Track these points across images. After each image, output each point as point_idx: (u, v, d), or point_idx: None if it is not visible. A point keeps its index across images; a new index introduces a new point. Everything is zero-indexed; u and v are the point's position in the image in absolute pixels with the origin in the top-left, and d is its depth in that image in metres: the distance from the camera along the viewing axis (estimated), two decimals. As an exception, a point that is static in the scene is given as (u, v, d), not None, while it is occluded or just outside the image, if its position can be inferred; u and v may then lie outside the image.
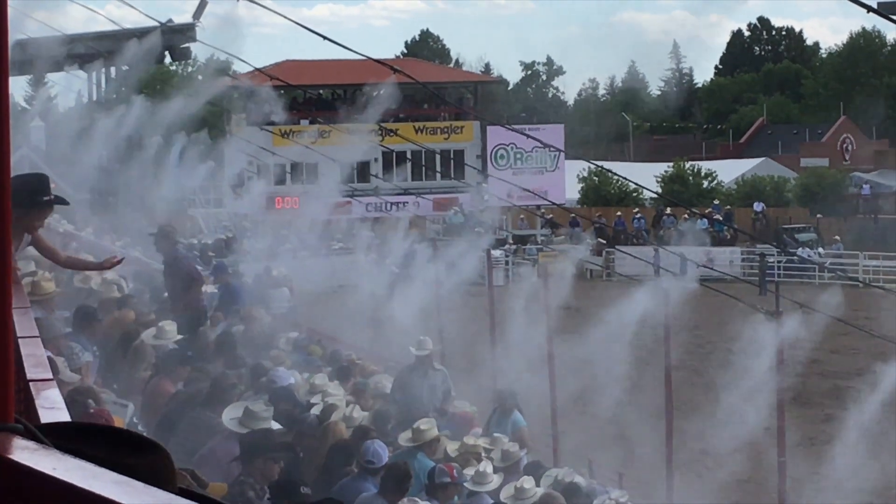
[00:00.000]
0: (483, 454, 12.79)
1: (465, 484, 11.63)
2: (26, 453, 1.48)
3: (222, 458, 9.47)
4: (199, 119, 39.73)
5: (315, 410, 12.30)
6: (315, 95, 54.38)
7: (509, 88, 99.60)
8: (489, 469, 12.02)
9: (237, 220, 39.43)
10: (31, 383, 3.90)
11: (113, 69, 41.04)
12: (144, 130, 36.22)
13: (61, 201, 7.21)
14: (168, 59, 45.67)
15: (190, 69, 58.98)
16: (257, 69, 28.08)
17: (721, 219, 53.89)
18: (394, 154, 45.60)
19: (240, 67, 38.29)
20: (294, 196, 44.91)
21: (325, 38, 16.49)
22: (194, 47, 41.84)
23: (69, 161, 32.74)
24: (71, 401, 6.97)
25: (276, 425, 10.11)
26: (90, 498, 1.30)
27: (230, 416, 9.99)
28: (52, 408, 3.72)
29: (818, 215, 58.42)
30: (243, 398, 11.17)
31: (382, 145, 42.08)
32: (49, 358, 6.27)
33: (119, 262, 10.36)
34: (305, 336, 18.07)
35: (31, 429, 1.65)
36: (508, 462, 12.90)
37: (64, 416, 3.72)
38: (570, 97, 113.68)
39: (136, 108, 36.87)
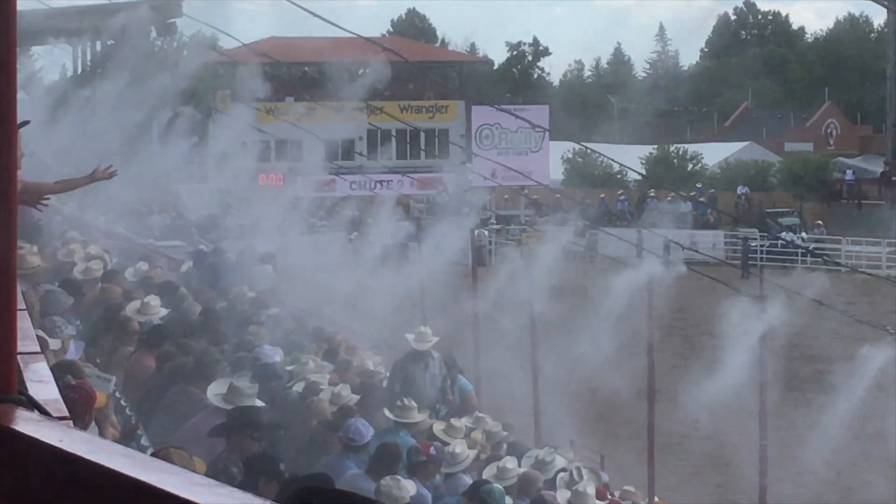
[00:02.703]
0: (465, 433, 12.79)
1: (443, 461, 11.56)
2: (31, 424, 1.46)
3: (206, 434, 9.46)
4: (184, 95, 39.58)
5: (298, 388, 12.28)
6: (301, 72, 54.26)
7: (494, 68, 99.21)
8: (462, 448, 11.91)
9: (220, 196, 39.27)
10: (19, 356, 3.88)
11: (99, 43, 40.89)
12: (129, 105, 36.05)
13: (22, 124, 6.99)
14: (154, 35, 45.54)
15: (175, 45, 58.65)
16: (244, 45, 27.90)
17: (705, 201, 53.92)
18: (378, 132, 45.44)
19: (226, 43, 38.12)
20: (278, 173, 44.75)
21: (313, 14, 16.45)
22: (180, 22, 41.70)
23: (52, 135, 32.58)
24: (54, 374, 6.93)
25: (260, 402, 10.09)
26: (97, 469, 1.29)
27: (215, 391, 9.98)
28: (40, 381, 3.71)
29: (802, 200, 58.50)
30: (226, 374, 11.15)
31: (369, 122, 41.95)
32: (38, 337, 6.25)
33: (113, 172, 9.12)
34: (288, 313, 18.01)
35: (34, 401, 1.63)
36: (492, 442, 12.91)
37: (52, 390, 3.71)
38: (555, 78, 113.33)
39: (121, 82, 36.72)
